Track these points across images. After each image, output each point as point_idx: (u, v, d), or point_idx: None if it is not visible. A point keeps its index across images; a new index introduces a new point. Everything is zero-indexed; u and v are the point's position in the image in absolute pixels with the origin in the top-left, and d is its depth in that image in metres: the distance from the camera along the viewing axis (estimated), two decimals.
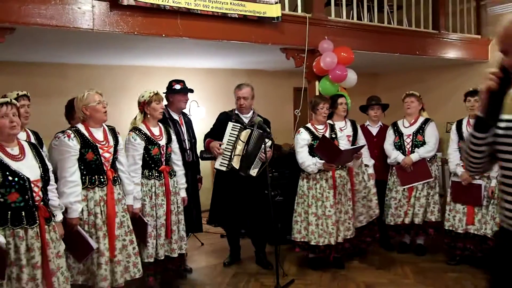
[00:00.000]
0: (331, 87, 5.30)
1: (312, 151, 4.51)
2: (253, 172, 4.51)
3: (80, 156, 3.43)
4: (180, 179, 4.22)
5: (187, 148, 4.62)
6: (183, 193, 4.24)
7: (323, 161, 4.41)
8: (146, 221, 3.87)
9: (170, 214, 4.01)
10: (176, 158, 4.23)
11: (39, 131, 3.96)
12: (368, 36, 5.85)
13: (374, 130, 5.31)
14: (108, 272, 3.45)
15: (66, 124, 4.12)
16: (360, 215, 4.91)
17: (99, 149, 3.51)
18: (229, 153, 4.50)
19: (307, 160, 4.50)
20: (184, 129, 4.70)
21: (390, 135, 5.13)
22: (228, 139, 4.51)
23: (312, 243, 4.51)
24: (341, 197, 4.57)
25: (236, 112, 4.71)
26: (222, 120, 4.68)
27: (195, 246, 5.70)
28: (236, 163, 4.49)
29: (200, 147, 4.85)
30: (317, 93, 5.39)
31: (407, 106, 5.04)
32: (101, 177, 3.51)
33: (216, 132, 4.65)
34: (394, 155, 5.02)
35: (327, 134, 4.59)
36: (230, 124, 4.53)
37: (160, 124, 4.15)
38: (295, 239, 4.63)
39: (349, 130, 4.96)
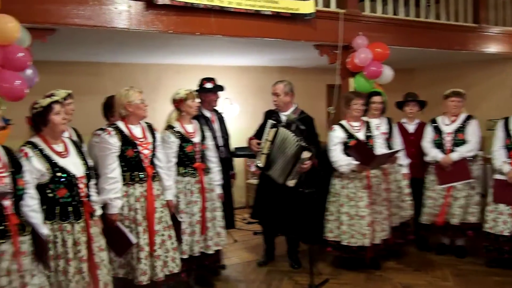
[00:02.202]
0: (366, 84, 5.22)
1: (346, 150, 4.43)
2: (291, 183, 4.28)
3: (120, 153, 3.50)
4: (216, 176, 4.23)
5: (220, 144, 4.64)
6: (218, 190, 4.25)
7: (356, 163, 4.33)
8: (180, 219, 3.90)
9: (205, 211, 4.03)
10: (211, 155, 4.23)
11: (76, 127, 4.05)
12: (404, 31, 5.72)
13: (410, 127, 5.17)
14: (148, 266, 3.53)
15: (102, 121, 4.19)
16: (392, 216, 4.77)
17: (139, 146, 3.57)
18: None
19: (340, 160, 4.42)
20: (217, 126, 4.72)
21: (428, 132, 4.97)
22: (266, 137, 4.51)
23: (343, 243, 4.44)
24: (376, 198, 4.48)
25: (276, 110, 4.69)
26: (265, 118, 4.69)
27: (228, 242, 5.69)
28: (262, 162, 4.46)
29: (234, 143, 4.85)
30: (351, 90, 5.31)
31: (453, 106, 4.83)
32: (141, 173, 3.58)
33: (260, 130, 4.66)
34: (433, 154, 4.86)
35: (362, 132, 4.50)
36: (269, 122, 4.52)
37: (195, 121, 4.17)
38: (327, 238, 4.58)
39: (384, 128, 4.87)
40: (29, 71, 3.64)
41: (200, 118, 4.49)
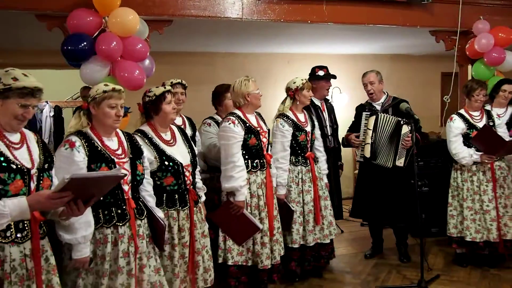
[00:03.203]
0: (485, 71, 4.87)
1: (468, 141, 4.18)
2: (399, 162, 4.28)
3: (243, 141, 3.56)
4: (322, 165, 4.24)
5: (329, 134, 4.62)
6: (325, 179, 4.25)
7: (480, 153, 4.08)
8: (292, 208, 3.94)
9: (319, 200, 4.04)
10: (318, 144, 4.25)
11: (191, 116, 4.25)
12: None
13: None
14: (270, 250, 3.64)
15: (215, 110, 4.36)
16: None
17: (259, 135, 3.64)
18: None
19: (461, 152, 4.18)
20: (326, 115, 4.71)
21: None
22: (364, 130, 4.45)
23: (467, 238, 4.20)
24: (503, 191, 4.20)
25: (368, 100, 4.61)
26: (358, 112, 4.64)
27: (336, 233, 5.67)
28: (366, 152, 4.38)
29: (342, 133, 4.82)
30: (469, 78, 5.00)
31: None
32: (261, 161, 3.65)
33: (354, 125, 4.63)
34: None
35: (483, 122, 4.22)
36: (363, 114, 4.45)
37: (304, 111, 4.18)
38: (451, 235, 4.34)
39: (506, 118, 4.49)
40: (147, 62, 3.80)
41: (310, 106, 4.50)
